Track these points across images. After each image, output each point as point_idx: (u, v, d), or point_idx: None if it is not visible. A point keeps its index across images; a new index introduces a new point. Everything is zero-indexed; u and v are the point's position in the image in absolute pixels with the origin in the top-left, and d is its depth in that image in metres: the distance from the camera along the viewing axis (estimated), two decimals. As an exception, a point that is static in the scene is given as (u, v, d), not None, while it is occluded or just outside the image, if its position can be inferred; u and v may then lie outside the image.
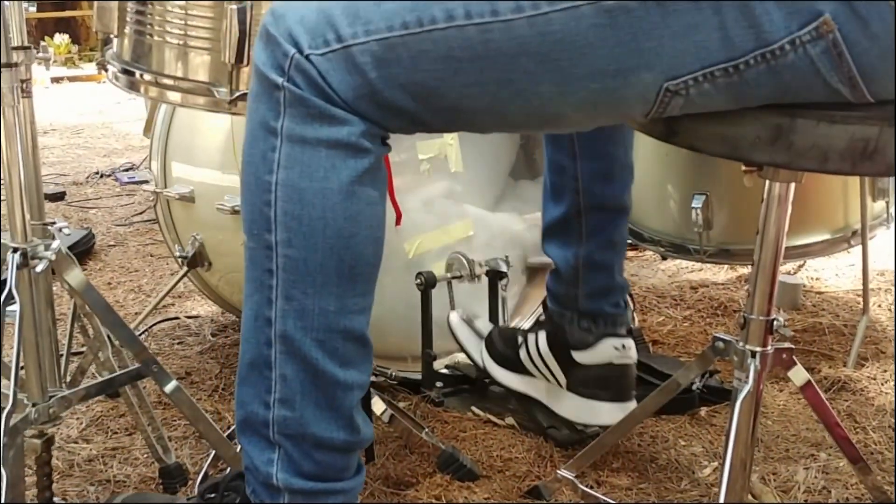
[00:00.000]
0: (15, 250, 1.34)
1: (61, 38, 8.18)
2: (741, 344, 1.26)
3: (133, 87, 1.49)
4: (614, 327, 1.65)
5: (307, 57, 1.02)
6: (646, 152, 2.15)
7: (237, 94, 1.39)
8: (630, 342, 1.65)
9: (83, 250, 2.93)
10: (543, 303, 1.74)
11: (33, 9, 8.10)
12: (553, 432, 1.72)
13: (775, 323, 1.25)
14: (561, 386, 1.68)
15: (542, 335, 1.69)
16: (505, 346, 1.77)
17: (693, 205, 2.02)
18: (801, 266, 2.66)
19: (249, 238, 1.10)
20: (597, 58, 0.99)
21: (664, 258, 2.66)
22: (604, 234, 1.62)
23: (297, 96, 1.03)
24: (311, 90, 1.02)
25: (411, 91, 1.03)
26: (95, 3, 1.54)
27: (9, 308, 1.32)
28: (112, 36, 1.53)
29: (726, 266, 2.62)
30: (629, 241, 2.29)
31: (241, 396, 1.14)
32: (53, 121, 5.71)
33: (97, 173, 4.14)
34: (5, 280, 1.33)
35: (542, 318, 1.75)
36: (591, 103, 1.04)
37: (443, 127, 1.13)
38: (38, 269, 1.35)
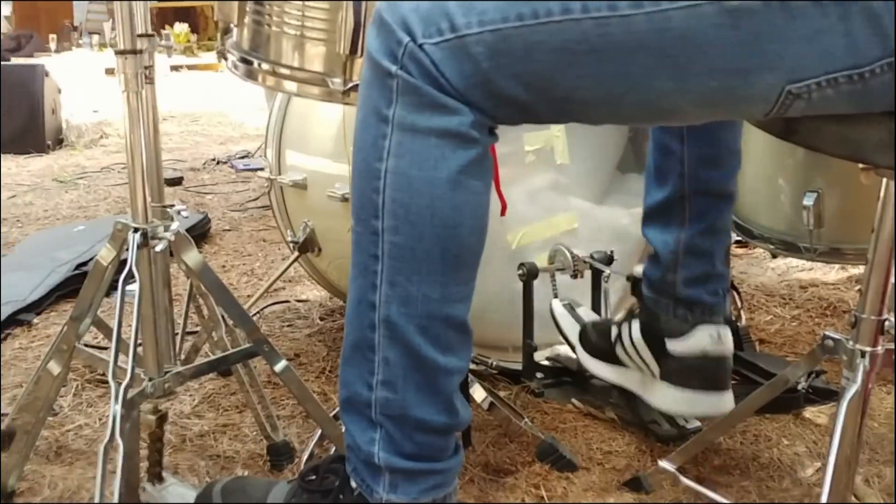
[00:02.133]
0: (136, 230, 1.38)
1: (181, 28, 8.41)
2: (851, 343, 1.24)
3: (251, 75, 1.53)
4: (711, 316, 1.58)
5: (420, 46, 1.02)
6: (757, 147, 2.11)
7: (350, 84, 1.41)
8: (726, 331, 1.58)
9: (199, 234, 3.03)
10: (637, 291, 1.69)
11: (158, -2, 8.31)
12: (654, 427, 1.72)
13: (887, 323, 1.23)
14: (654, 376, 1.62)
15: (636, 324, 1.64)
16: (599, 337, 1.73)
17: (804, 202, 1.97)
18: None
19: (356, 223, 1.11)
20: (717, 56, 0.97)
21: (774, 256, 2.61)
22: (707, 220, 1.57)
23: (409, 84, 1.03)
24: (424, 79, 1.03)
25: (524, 81, 1.03)
26: (217, -4, 1.59)
27: (128, 287, 1.37)
28: (232, 26, 1.57)
29: (837, 266, 2.56)
30: (739, 239, 2.27)
31: (344, 376, 1.17)
32: (172, 108, 5.88)
33: (213, 160, 4.26)
34: (126, 259, 1.38)
35: (636, 306, 1.71)
36: (709, 100, 1.03)
37: (553, 118, 1.12)
38: (158, 248, 1.41)
